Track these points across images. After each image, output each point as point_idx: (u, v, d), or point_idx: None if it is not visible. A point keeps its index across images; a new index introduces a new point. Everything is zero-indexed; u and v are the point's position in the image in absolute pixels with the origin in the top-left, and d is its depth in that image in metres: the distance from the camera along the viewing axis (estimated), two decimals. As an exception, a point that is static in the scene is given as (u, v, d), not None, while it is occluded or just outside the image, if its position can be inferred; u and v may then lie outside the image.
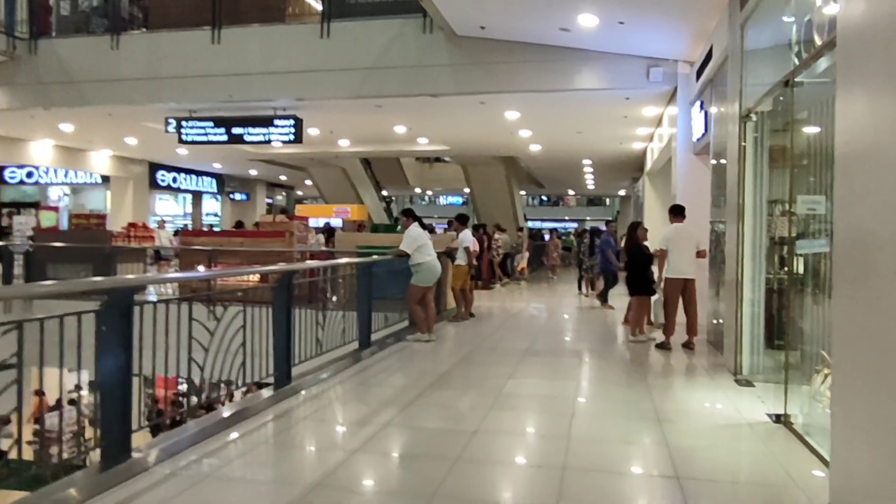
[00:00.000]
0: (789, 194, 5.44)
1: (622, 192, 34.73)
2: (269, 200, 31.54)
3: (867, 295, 3.28)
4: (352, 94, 12.30)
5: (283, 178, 29.18)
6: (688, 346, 8.63)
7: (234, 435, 4.78)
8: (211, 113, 13.47)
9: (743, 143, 7.01)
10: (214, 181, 27.20)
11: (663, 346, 8.61)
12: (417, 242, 8.84)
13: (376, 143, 19.05)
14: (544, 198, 56.77)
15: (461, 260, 11.14)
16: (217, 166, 25.02)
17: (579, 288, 16.49)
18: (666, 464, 4.35)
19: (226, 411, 5.13)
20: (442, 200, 55.63)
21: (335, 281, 8.86)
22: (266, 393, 5.77)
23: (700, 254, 8.71)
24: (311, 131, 16.65)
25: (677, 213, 8.77)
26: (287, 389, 5.87)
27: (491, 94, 12.11)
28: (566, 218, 55.54)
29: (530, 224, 50.10)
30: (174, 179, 24.67)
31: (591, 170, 24.42)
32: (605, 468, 4.28)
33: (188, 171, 25.34)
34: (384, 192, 40.51)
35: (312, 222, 20.48)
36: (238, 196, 28.78)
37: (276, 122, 13.07)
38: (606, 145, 18.00)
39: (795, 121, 7.04)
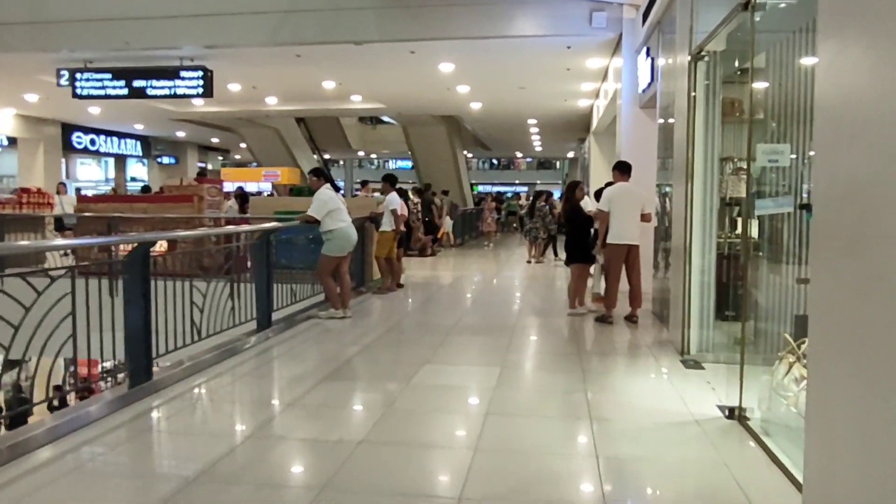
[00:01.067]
0: (748, 148, 4.49)
1: (570, 154, 33.97)
2: (202, 164, 29.87)
3: (862, 269, 2.34)
4: (265, 40, 11.03)
5: (214, 140, 27.55)
6: (630, 319, 7.78)
7: (45, 455, 3.69)
8: (109, 63, 12.02)
9: (693, 93, 6.06)
10: (139, 144, 25.48)
11: (604, 320, 7.74)
12: (328, 207, 7.75)
13: (307, 101, 17.73)
14: (494, 161, 55.81)
15: (387, 226, 10.08)
16: (139, 127, 23.32)
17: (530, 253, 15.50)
18: (592, 484, 3.42)
19: (44, 424, 4.01)
20: (391, 164, 54.09)
21: (232, 251, 7.71)
22: (112, 394, 4.67)
23: (645, 217, 7.81)
24: (232, 87, 15.34)
25: (622, 170, 7.83)
26: (144, 388, 4.78)
27: (420, 43, 10.98)
28: (517, 181, 54.74)
29: (481, 188, 49.27)
30: (92, 142, 22.93)
31: (536, 130, 23.47)
32: (513, 497, 3.32)
33: (109, 133, 23.59)
34: (326, 156, 39.23)
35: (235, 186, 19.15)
36: (166, 160, 27.09)
37: (183, 73, 11.72)
38: (551, 103, 17.03)
39: (755, 66, 6.17)
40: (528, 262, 15.21)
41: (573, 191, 8.26)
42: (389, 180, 10.26)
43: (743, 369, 4.50)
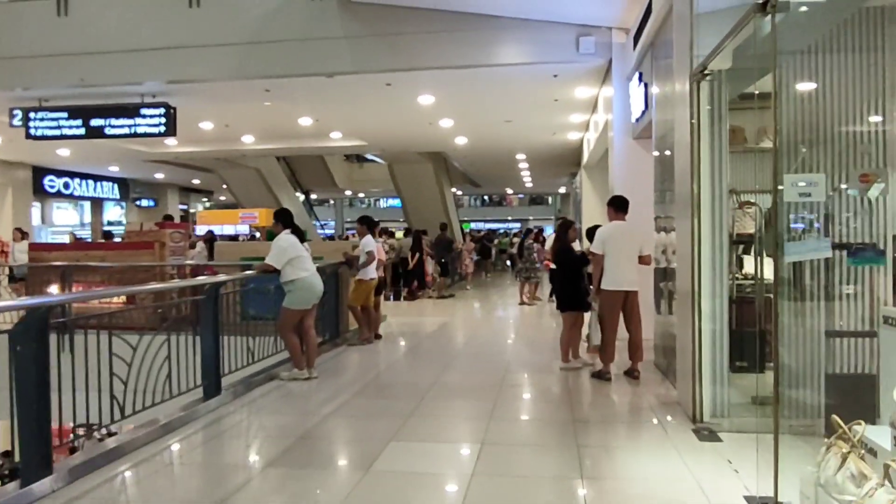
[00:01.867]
0: (773, 176, 3.66)
1: (562, 190, 33.34)
2: (184, 206, 29.07)
3: None
4: (231, 74, 10.28)
5: (196, 181, 26.78)
6: (631, 374, 6.90)
7: None
8: (66, 102, 11.25)
9: (695, 119, 5.28)
10: (116, 186, 24.67)
11: (600, 376, 6.86)
12: (288, 255, 6.89)
13: (284, 139, 16.99)
14: (486, 198, 55.29)
15: (366, 273, 9.21)
16: (115, 169, 22.54)
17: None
18: None
19: None
20: (382, 203, 53.42)
21: (177, 307, 6.82)
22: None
23: (644, 259, 6.99)
24: (204, 125, 14.60)
25: (618, 207, 7.01)
26: (34, 489, 3.86)
27: (397, 73, 10.23)
28: (509, 218, 54.12)
29: (474, 225, 48.46)
30: (66, 185, 22.10)
31: (526, 165, 22.79)
32: None
33: (83, 176, 22.79)
34: (313, 196, 38.52)
35: (216, 230, 18.35)
36: (145, 202, 26.27)
37: (144, 111, 10.95)
38: (539, 137, 16.33)
39: (761, 89, 5.44)
40: (521, 303, 14.36)
41: (566, 231, 7.43)
42: (365, 222, 9.43)
43: (777, 454, 3.61)
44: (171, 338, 5.64)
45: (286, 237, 7.00)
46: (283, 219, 7.17)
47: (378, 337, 9.82)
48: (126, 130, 11.04)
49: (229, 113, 13.57)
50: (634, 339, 6.93)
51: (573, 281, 7.35)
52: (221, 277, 6.53)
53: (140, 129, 10.97)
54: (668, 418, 5.41)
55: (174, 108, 11.03)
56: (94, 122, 11.12)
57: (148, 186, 26.35)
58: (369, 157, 29.14)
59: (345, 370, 7.74)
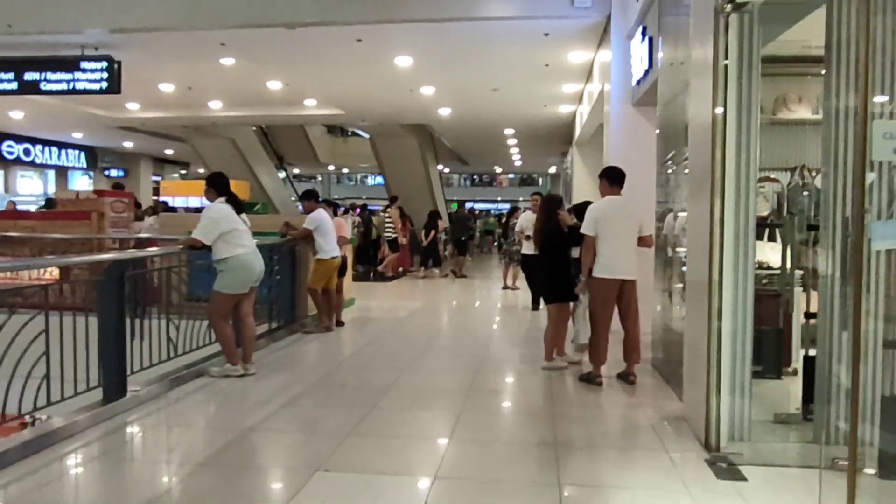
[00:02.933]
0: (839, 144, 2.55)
1: (552, 170, 32.21)
2: (157, 178, 27.74)
3: None
4: (179, 23, 9.05)
5: (168, 151, 25.45)
6: (626, 378, 5.84)
7: None
8: (-3, 53, 10.00)
9: (719, 69, 4.16)
10: (83, 154, 23.32)
11: (590, 380, 5.79)
12: (220, 228, 5.76)
13: (254, 106, 15.75)
14: (475, 177, 54.15)
15: (327, 253, 8.09)
16: (78, 136, 21.21)
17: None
18: None
19: None
20: (370, 180, 52.03)
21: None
22: None
23: (645, 241, 5.89)
24: (164, 88, 13.36)
25: (612, 179, 5.88)
26: None
27: (367, 27, 9.04)
28: (499, 198, 53.03)
29: (470, 206, 47.12)
30: (27, 152, 20.77)
31: (515, 142, 21.61)
32: None
33: (46, 143, 21.45)
34: (296, 171, 37.21)
35: (181, 202, 17.12)
36: (114, 172, 24.94)
37: (84, 64, 9.71)
38: (529, 109, 15.15)
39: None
40: (504, 288, 13.27)
41: (553, 208, 6.29)
42: (311, 196, 8.33)
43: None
44: (71, 323, 4.51)
45: (218, 207, 5.86)
46: (217, 184, 6.02)
47: (340, 324, 8.73)
48: (64, 86, 9.80)
49: (189, 74, 12.33)
50: (631, 336, 5.85)
51: (560, 267, 6.24)
52: (128, 254, 5.37)
53: (80, 85, 9.74)
54: (673, 442, 4.33)
55: (118, 63, 9.78)
56: (29, 77, 9.87)
57: (118, 156, 25.01)
58: (354, 131, 27.97)
59: (291, 365, 6.62)
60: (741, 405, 4.25)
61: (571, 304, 6.42)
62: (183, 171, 32.65)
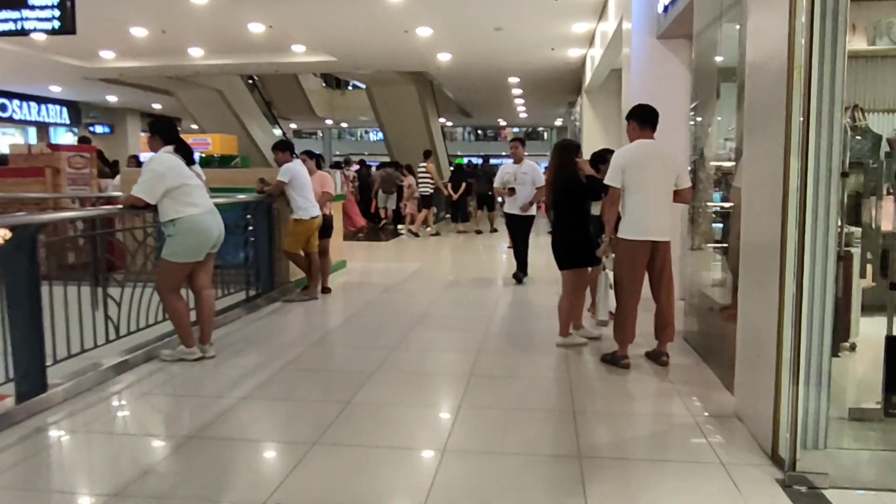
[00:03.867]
0: None
1: (559, 122, 30.91)
2: (145, 134, 26.55)
3: None
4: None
5: (156, 106, 24.25)
6: (657, 358, 4.88)
7: None
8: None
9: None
10: (65, 110, 22.18)
11: (615, 362, 4.83)
12: (165, 182, 4.74)
13: (238, 53, 14.55)
14: (480, 132, 52.75)
15: (304, 211, 7.10)
16: (57, 90, 20.03)
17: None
18: None
19: None
20: (372, 136, 50.60)
21: None
22: None
23: (681, 195, 4.85)
24: (136, 32, 12.22)
25: (643, 119, 4.81)
26: None
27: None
28: (503, 153, 51.66)
29: (467, 161, 45.78)
30: (3, 107, 19.64)
31: (520, 92, 20.37)
32: None
33: (24, 97, 20.30)
34: (293, 126, 35.95)
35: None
36: (100, 129, 23.80)
37: (32, 1, 8.56)
38: (535, 53, 13.95)
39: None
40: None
41: (570, 155, 5.24)
42: (285, 147, 7.35)
43: None
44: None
45: (163, 158, 4.83)
46: (161, 130, 4.97)
47: (326, 290, 7.78)
48: (12, 26, 8.64)
49: (160, 15, 11.18)
50: (664, 309, 4.87)
51: (576, 225, 5.23)
52: (41, 217, 4.36)
53: (29, 25, 8.55)
54: (731, 453, 3.37)
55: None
56: (-30, 15, 8.73)
57: (102, 111, 23.84)
58: (353, 83, 26.69)
59: (261, 342, 5.67)
60: (817, 401, 3.29)
61: (589, 269, 5.43)
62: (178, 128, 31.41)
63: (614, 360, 4.83)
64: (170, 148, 4.88)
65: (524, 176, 8.31)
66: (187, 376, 4.70)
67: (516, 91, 20.22)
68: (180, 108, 23.19)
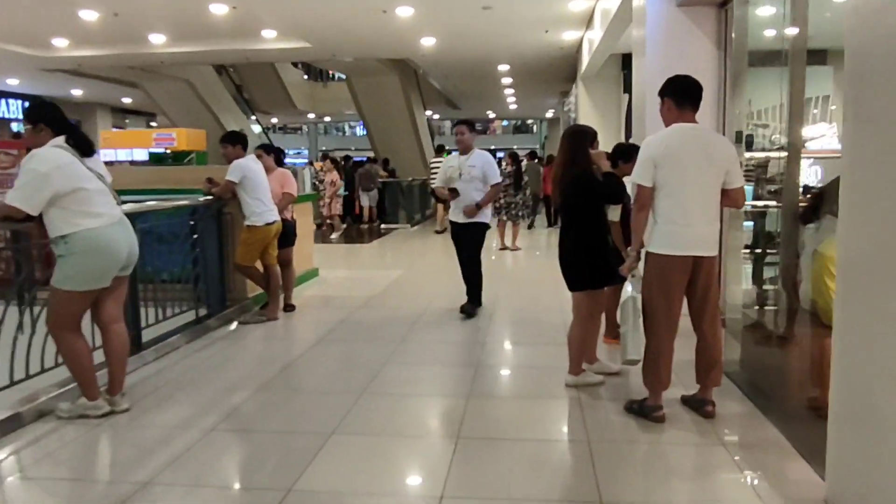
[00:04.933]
0: None
1: (550, 114, 29.77)
2: (118, 130, 25.26)
3: None
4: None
5: (126, 100, 22.96)
6: (700, 407, 3.76)
7: None
8: None
9: None
10: (26, 105, 20.84)
11: (643, 412, 3.72)
12: (51, 187, 3.56)
13: (202, 39, 13.32)
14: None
15: (259, 217, 5.97)
16: (13, 83, 18.72)
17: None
18: None
19: None
20: (359, 131, 49.26)
21: None
22: None
23: (731, 196, 3.70)
24: (86, 16, 11.01)
25: (682, 96, 3.64)
26: None
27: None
28: (492, 147, 50.52)
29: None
30: (-44, 102, 18.35)
31: (510, 80, 19.20)
32: None
33: (-20, 92, 19.02)
34: (273, 120, 34.67)
35: (125, 154, 14.83)
36: (65, 124, 22.46)
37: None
38: (527, 37, 12.79)
39: None
40: (502, 248, 11.21)
41: (583, 145, 4.11)
42: (236, 140, 6.15)
43: None
44: None
45: (48, 154, 3.64)
46: (47, 118, 3.78)
47: (290, 308, 6.64)
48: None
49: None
50: (708, 345, 3.74)
51: (591, 235, 4.11)
52: None
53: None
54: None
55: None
56: None
57: (69, 106, 22.45)
58: (336, 75, 25.47)
59: (196, 385, 4.51)
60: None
61: (607, 288, 4.31)
62: (153, 124, 30.21)
63: (644, 411, 3.72)
64: (59, 140, 3.71)
65: (471, 170, 6.28)
66: (82, 444, 3.55)
67: (506, 80, 19.06)
68: (150, 102, 21.92)
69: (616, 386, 4.30)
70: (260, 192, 5.94)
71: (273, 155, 6.58)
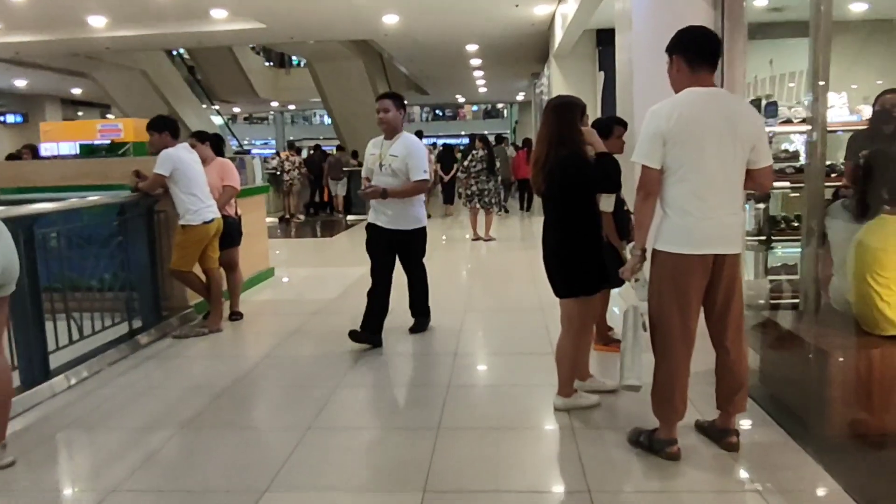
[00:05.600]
0: None
1: (520, 97, 29.02)
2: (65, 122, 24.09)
3: None
4: None
5: (76, 91, 21.79)
6: (722, 437, 3.05)
7: None
8: None
9: None
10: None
11: (654, 448, 3.00)
12: None
13: (147, 22, 12.37)
14: (439, 112, 50.84)
15: (195, 215, 5.16)
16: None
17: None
18: None
19: None
20: (327, 119, 48.07)
21: None
22: None
23: (756, 179, 2.95)
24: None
25: (697, 52, 2.88)
26: None
27: None
28: (462, 133, 49.72)
29: (428, 141, 43.54)
30: None
31: (479, 62, 18.39)
32: None
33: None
34: (236, 109, 33.54)
35: (68, 147, 13.75)
36: (11, 118, 21.30)
37: None
38: (496, 13, 12.00)
39: None
40: (475, 239, 10.49)
41: (571, 120, 3.34)
42: (162, 127, 5.28)
43: None
44: None
45: None
46: None
47: (236, 317, 5.84)
48: None
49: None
50: (731, 363, 3.02)
51: (581, 231, 3.37)
52: None
53: None
54: None
55: None
56: None
57: (14, 98, 21.34)
58: (299, 60, 24.47)
59: (105, 426, 3.69)
60: None
61: (600, 293, 3.57)
62: (110, 116, 28.95)
63: (654, 446, 3.00)
64: None
65: (392, 161, 4.78)
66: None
67: (475, 62, 18.25)
68: (103, 93, 20.78)
69: (614, 407, 3.60)
70: (194, 186, 5.13)
71: (207, 143, 5.74)
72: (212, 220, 5.25)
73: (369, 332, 4.84)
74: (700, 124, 2.82)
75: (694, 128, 2.81)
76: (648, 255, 3.00)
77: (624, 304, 4.67)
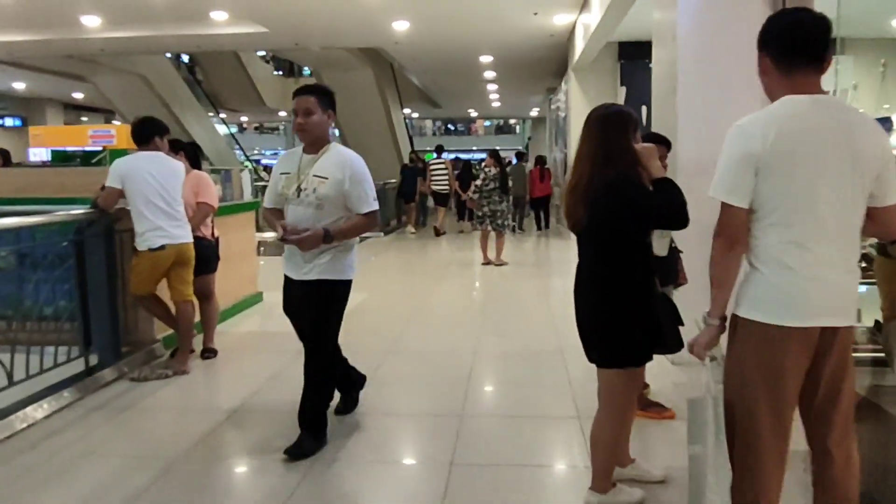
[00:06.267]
0: None
1: (534, 112, 28.28)
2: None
3: None
4: None
5: (77, 95, 21.22)
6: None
7: None
8: None
9: None
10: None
11: None
12: None
13: (144, 22, 11.72)
14: (451, 126, 50.31)
15: (141, 239, 4.41)
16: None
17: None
18: None
19: None
20: (336, 132, 47.51)
21: None
22: None
23: (881, 221, 2.15)
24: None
25: (792, 49, 2.03)
26: None
27: None
28: (474, 148, 49.10)
29: (450, 156, 42.60)
30: None
31: (493, 75, 17.68)
32: None
33: None
34: (243, 118, 32.96)
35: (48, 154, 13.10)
36: (10, 121, 20.73)
37: None
38: (513, 22, 11.31)
39: None
40: (486, 263, 9.70)
41: (621, 134, 2.52)
42: (141, 130, 4.54)
43: None
44: None
45: None
46: None
47: (209, 354, 5.05)
48: None
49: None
50: (837, 477, 2.19)
51: (633, 277, 2.57)
52: None
53: None
54: None
55: None
56: None
57: (14, 101, 20.77)
58: (307, 70, 23.88)
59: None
60: None
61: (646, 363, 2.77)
62: (117, 122, 28.43)
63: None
64: None
65: (318, 184, 3.34)
66: None
67: (489, 74, 17.53)
68: (104, 98, 20.19)
69: (656, 498, 2.78)
70: (142, 202, 4.36)
71: (184, 153, 4.98)
72: (161, 248, 4.44)
73: (314, 429, 3.43)
74: (806, 146, 2.02)
75: (799, 150, 2.01)
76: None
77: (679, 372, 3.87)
